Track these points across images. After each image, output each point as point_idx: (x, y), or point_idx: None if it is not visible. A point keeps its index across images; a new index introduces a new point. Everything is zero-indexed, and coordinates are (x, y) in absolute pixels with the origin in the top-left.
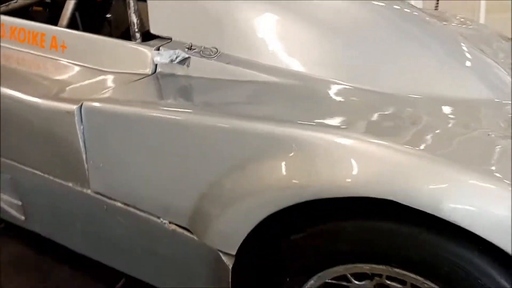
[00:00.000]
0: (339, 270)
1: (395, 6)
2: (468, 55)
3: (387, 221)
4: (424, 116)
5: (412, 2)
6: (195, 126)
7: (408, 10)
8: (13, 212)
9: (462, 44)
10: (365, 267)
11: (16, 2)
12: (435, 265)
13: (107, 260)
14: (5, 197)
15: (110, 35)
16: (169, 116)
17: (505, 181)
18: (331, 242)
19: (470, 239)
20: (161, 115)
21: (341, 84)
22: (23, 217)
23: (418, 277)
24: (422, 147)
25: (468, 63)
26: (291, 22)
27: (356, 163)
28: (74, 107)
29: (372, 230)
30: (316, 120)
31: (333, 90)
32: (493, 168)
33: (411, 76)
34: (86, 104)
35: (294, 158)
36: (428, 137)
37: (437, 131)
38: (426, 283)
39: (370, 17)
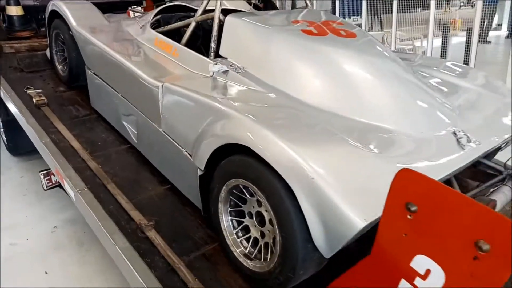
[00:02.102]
0: (232, 181)
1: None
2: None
3: (246, 156)
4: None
5: None
6: (203, 103)
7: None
8: (133, 138)
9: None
10: (240, 181)
11: (168, 26)
12: (258, 180)
13: (163, 172)
14: (130, 127)
15: None
16: (198, 98)
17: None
18: (230, 165)
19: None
20: (195, 96)
21: (293, 98)
22: (136, 141)
23: (252, 185)
24: (275, 126)
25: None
26: (294, 57)
27: (233, 124)
28: (160, 84)
29: (241, 162)
30: (242, 107)
31: (280, 100)
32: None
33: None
34: (166, 84)
35: (219, 120)
36: (290, 126)
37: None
38: (258, 192)
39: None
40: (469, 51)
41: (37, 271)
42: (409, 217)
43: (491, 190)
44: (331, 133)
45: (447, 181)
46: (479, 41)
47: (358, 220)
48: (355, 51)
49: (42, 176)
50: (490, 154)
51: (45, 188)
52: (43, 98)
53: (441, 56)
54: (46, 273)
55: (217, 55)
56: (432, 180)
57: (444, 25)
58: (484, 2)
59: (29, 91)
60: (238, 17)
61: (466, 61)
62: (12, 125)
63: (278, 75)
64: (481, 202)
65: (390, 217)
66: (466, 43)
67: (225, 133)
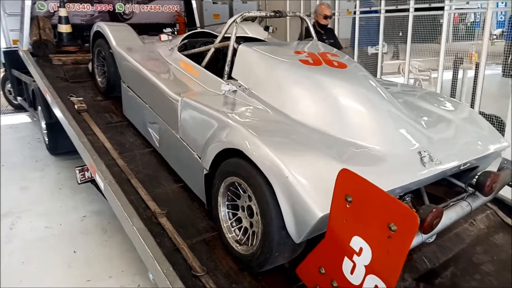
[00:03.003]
0: (229, 179)
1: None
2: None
3: (240, 158)
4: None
5: None
6: (212, 116)
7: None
8: (156, 142)
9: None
10: (235, 179)
11: (192, 50)
12: (248, 177)
13: (178, 171)
14: (154, 133)
15: None
16: (209, 111)
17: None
18: (229, 166)
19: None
20: (207, 110)
21: (284, 114)
22: (158, 145)
23: (243, 182)
24: (263, 134)
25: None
26: (289, 82)
27: (233, 133)
28: (180, 98)
29: (236, 163)
30: (243, 120)
31: (275, 117)
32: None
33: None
34: (184, 98)
35: (223, 129)
36: (277, 135)
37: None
38: (248, 188)
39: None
40: (476, 84)
41: (67, 249)
42: (347, 206)
43: (451, 203)
44: (308, 144)
45: (417, 192)
46: (503, 75)
47: (317, 211)
48: (341, 80)
49: (77, 171)
50: (467, 176)
51: (79, 182)
52: (84, 105)
53: (451, 88)
54: (74, 252)
55: (230, 77)
56: (362, 177)
57: (461, 58)
58: (506, 38)
59: (72, 98)
60: (249, 46)
61: (474, 94)
62: (53, 128)
63: (276, 96)
64: (428, 208)
65: (335, 206)
66: (474, 77)
67: (227, 140)
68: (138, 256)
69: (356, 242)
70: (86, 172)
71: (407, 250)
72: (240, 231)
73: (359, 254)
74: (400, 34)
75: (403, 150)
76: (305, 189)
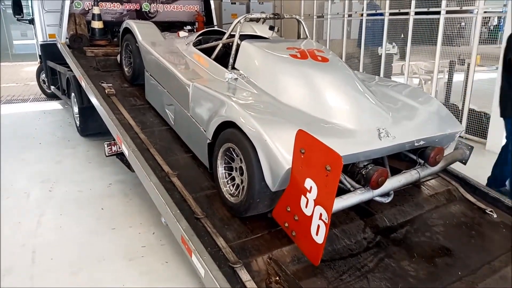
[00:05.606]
0: (225, 145)
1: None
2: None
3: (234, 128)
4: (280, 110)
5: None
6: (216, 97)
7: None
8: (171, 121)
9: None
10: (230, 144)
11: (204, 45)
12: (239, 142)
13: (188, 143)
14: (170, 113)
15: None
16: (214, 93)
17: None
18: (226, 135)
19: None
20: (212, 92)
21: (275, 99)
22: (173, 123)
23: (236, 147)
24: (253, 112)
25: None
26: (279, 72)
27: (230, 110)
28: (191, 83)
29: (231, 132)
30: (239, 101)
31: (265, 99)
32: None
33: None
34: (194, 83)
35: (222, 107)
36: (263, 111)
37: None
38: (239, 151)
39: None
40: (467, 84)
41: (96, 207)
42: (302, 156)
43: (403, 171)
44: (286, 119)
45: (381, 160)
46: None
47: (285, 165)
48: (320, 71)
49: (105, 145)
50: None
51: (107, 155)
52: (112, 90)
53: (446, 89)
54: (102, 209)
55: (234, 67)
56: (310, 135)
57: (462, 60)
58: None
59: (103, 84)
60: (249, 43)
61: (464, 93)
62: (84, 112)
63: (267, 83)
64: (375, 168)
65: (295, 158)
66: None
67: (226, 115)
68: (154, 213)
69: (308, 182)
70: (113, 147)
71: (337, 182)
72: (233, 187)
73: (310, 191)
74: (402, 36)
75: (365, 127)
76: (278, 149)
